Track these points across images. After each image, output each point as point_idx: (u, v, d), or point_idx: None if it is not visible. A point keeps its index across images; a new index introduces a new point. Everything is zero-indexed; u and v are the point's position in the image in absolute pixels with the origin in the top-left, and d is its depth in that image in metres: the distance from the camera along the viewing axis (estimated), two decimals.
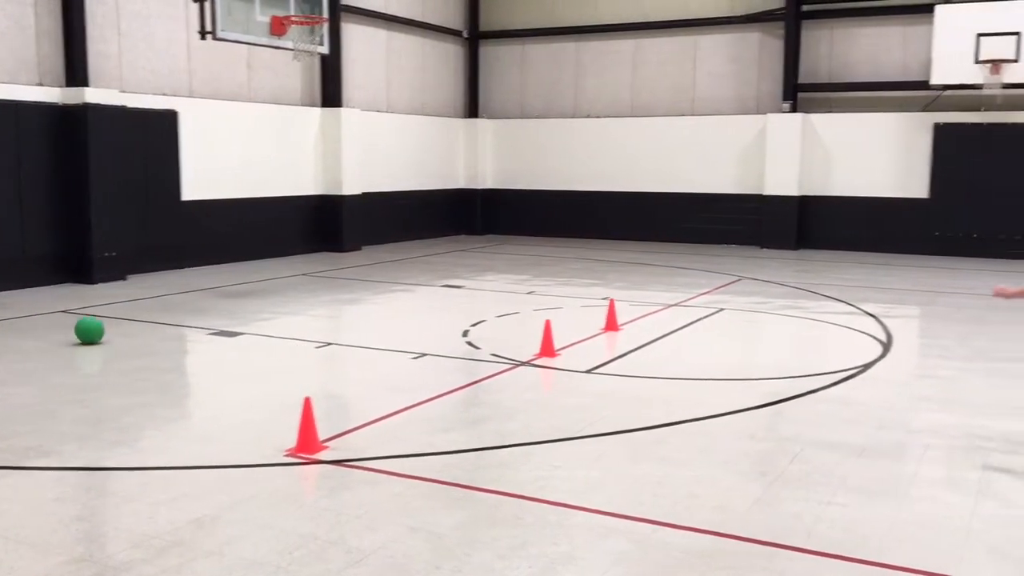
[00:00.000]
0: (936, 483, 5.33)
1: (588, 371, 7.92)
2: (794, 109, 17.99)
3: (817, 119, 17.94)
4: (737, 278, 13.99)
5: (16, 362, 8.05)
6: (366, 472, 5.34)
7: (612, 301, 10.26)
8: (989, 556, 4.32)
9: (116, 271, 12.90)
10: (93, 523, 4.67)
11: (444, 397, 7.01)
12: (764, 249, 18.14)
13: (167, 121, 13.92)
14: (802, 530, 4.56)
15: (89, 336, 8.68)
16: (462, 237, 20.58)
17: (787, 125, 17.93)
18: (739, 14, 18.55)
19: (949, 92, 16.66)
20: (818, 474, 5.40)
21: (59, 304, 11.00)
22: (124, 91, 13.28)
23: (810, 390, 7.29)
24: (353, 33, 17.72)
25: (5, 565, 4.07)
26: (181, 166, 14.20)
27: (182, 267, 14.22)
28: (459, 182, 21.05)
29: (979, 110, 16.64)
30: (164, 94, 14.05)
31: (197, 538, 4.38)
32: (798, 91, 18.06)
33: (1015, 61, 15.39)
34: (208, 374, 8.26)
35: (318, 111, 16.93)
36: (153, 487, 5.09)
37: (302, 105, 16.75)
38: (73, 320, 9.26)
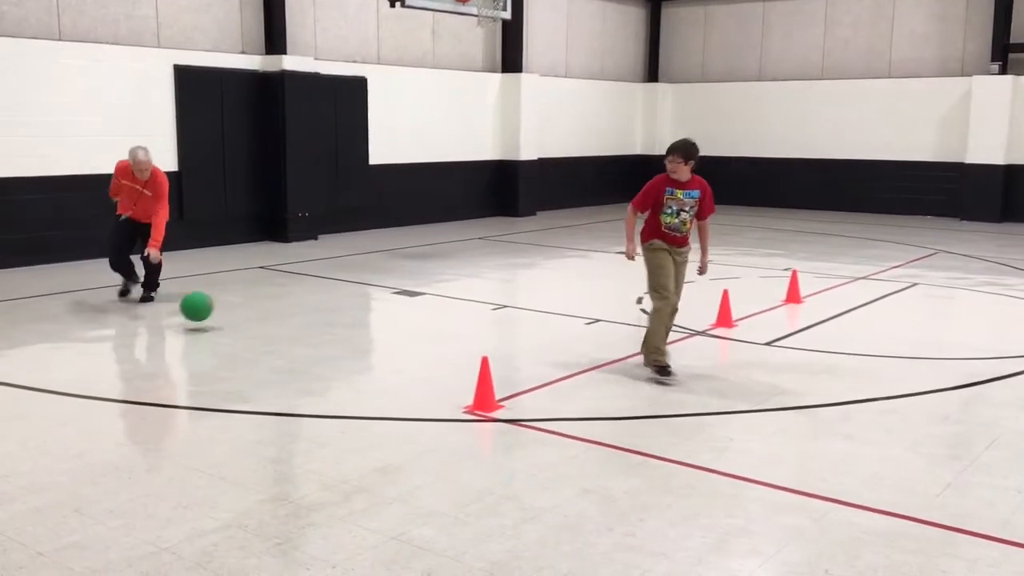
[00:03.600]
0: None
1: (767, 343, 7.70)
2: (1003, 71, 16.62)
3: None
4: (933, 251, 13.16)
5: (220, 314, 8.66)
6: (540, 433, 5.43)
7: (795, 272, 9.90)
8: None
9: (308, 231, 13.63)
10: (288, 465, 4.99)
11: (617, 363, 7.01)
12: (964, 221, 16.96)
13: (357, 88, 14.49)
14: (997, 519, 4.28)
15: (196, 313, 8.00)
16: None
17: (995, 88, 16.59)
18: None
19: None
20: (1018, 462, 5.04)
21: (257, 260, 11.75)
22: (318, 59, 13.91)
23: (1011, 373, 6.79)
24: None
25: (210, 500, 4.42)
26: (369, 131, 14.76)
27: (368, 228, 14.84)
28: (636, 148, 20.82)
29: None
30: (354, 61, 14.61)
31: (381, 485, 4.60)
32: (1008, 51, 16.65)
33: None
34: (391, 331, 8.60)
35: (498, 76, 17.13)
36: (341, 435, 5.38)
37: (483, 71, 17.00)
38: (270, 276, 9.83)
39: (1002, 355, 7.29)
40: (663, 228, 6.59)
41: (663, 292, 6.58)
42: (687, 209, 6.58)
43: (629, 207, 6.77)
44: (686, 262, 6.76)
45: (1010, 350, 7.46)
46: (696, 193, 6.62)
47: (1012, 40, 16.65)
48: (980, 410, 6.04)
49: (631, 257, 6.77)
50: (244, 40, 13.21)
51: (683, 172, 6.57)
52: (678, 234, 6.60)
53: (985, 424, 5.69)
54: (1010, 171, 16.73)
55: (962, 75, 17.22)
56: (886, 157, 18.05)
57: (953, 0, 17.37)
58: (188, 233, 12.46)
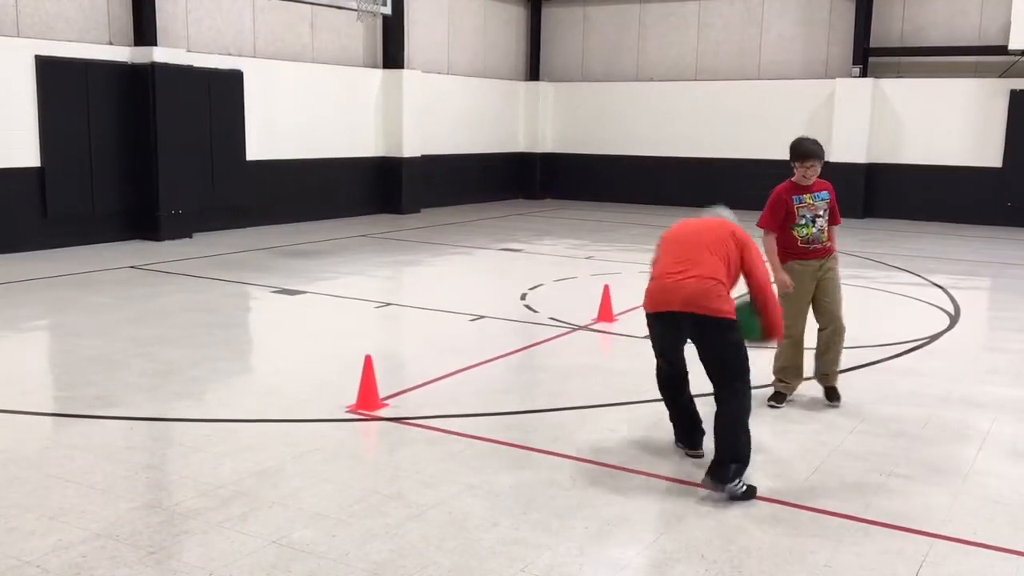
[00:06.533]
0: (1004, 458, 5.21)
1: (646, 336, 7.85)
2: (864, 74, 17.51)
3: (888, 84, 17.44)
4: None
5: (87, 315, 8.29)
6: (424, 430, 5.41)
7: None
8: None
9: (182, 229, 13.16)
10: (161, 472, 4.81)
11: (502, 359, 7.04)
12: None
13: (232, 81, 14.08)
14: (861, 500, 4.51)
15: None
16: (520, 201, 20.54)
17: (856, 91, 17.46)
18: None
19: None
20: (879, 445, 5.32)
21: (128, 260, 11.28)
22: (191, 51, 13.46)
23: (873, 361, 7.16)
24: None
25: (78, 509, 4.22)
26: (246, 126, 14.38)
27: (246, 226, 14.45)
28: (518, 145, 20.97)
29: None
30: (229, 54, 14.20)
31: (261, 489, 4.49)
32: (869, 55, 17.55)
33: None
34: (271, 331, 8.40)
35: (380, 72, 16.95)
36: (218, 438, 5.22)
37: (364, 66, 16.79)
38: (142, 276, 9.45)
39: (865, 344, 7.67)
40: (800, 244, 5.89)
41: (786, 331, 5.61)
42: (822, 214, 5.91)
43: (763, 234, 5.95)
44: (835, 274, 6.02)
45: (870, 339, 7.86)
46: (826, 195, 5.95)
47: (872, 44, 17.55)
48: (844, 397, 6.33)
49: (789, 287, 5.82)
50: (111, 30, 12.66)
51: (814, 176, 5.92)
52: (818, 245, 5.90)
53: (849, 410, 5.98)
54: (871, 169, 17.64)
55: (826, 77, 18.05)
56: (757, 156, 18.73)
57: (818, 5, 18.18)
58: (52, 231, 11.87)
